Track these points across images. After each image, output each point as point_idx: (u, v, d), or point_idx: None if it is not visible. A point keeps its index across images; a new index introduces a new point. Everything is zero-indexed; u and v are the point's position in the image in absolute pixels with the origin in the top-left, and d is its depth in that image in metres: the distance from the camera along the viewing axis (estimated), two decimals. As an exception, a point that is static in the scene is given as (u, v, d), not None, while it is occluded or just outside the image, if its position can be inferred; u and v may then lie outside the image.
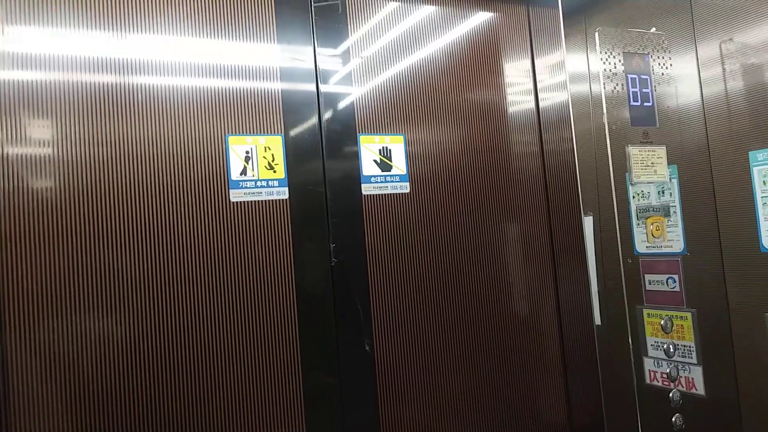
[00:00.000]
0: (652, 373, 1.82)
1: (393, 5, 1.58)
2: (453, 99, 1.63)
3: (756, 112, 1.70)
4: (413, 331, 1.51)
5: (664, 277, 1.81)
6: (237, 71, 1.38)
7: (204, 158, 1.33)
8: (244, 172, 1.35)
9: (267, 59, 1.42)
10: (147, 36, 1.31)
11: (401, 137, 1.54)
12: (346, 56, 1.51)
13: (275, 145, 1.40)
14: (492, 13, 1.71)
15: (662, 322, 1.78)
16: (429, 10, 1.63)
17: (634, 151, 1.78)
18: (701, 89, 1.83)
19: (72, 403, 1.18)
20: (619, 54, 1.81)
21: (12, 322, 1.15)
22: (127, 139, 1.27)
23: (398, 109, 1.55)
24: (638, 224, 1.83)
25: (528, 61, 1.76)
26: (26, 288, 1.16)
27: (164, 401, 1.25)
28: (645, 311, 1.83)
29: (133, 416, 1.22)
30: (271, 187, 1.38)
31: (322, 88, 1.46)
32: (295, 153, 1.42)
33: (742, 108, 1.74)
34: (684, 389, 1.77)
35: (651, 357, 1.82)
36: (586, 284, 1.75)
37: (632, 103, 1.81)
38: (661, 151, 1.82)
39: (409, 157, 1.55)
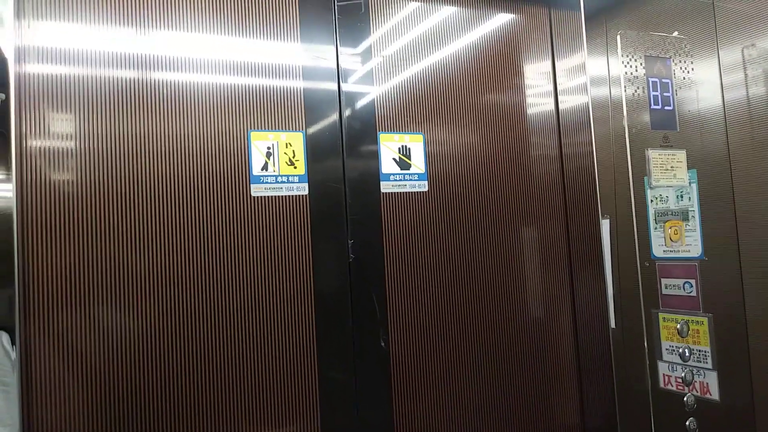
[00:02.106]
0: (666, 378, 1.81)
1: (415, 5, 1.59)
2: (473, 99, 1.63)
3: (778, 119, 1.69)
4: (429, 329, 1.52)
5: (681, 281, 1.80)
6: (260, 69, 1.40)
7: (226, 153, 1.34)
8: (265, 167, 1.37)
9: (290, 57, 1.43)
10: (171, 32, 1.33)
11: (421, 136, 1.55)
12: (367, 55, 1.52)
13: (296, 141, 1.41)
14: (513, 15, 1.72)
15: (678, 327, 1.78)
16: (450, 10, 1.63)
17: (653, 155, 1.78)
18: (722, 94, 1.82)
19: (92, 393, 1.20)
20: (640, 57, 1.81)
21: (35, 313, 1.17)
22: (150, 134, 1.28)
23: (418, 108, 1.56)
24: (656, 228, 1.83)
25: (548, 63, 1.76)
26: (48, 280, 1.18)
27: (181, 394, 1.27)
28: (661, 315, 1.83)
29: (151, 407, 1.24)
30: (292, 183, 1.39)
31: (344, 86, 1.48)
32: (315, 150, 1.43)
33: (764, 114, 1.73)
34: (698, 394, 1.76)
35: (666, 361, 1.82)
36: (602, 287, 1.75)
37: (653, 106, 1.80)
38: (681, 155, 1.82)
39: (428, 157, 1.56)
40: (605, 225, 1.80)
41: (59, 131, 1.22)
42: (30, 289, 1.16)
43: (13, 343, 2.13)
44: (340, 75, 1.47)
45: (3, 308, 2.29)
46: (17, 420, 1.15)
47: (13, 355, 2.10)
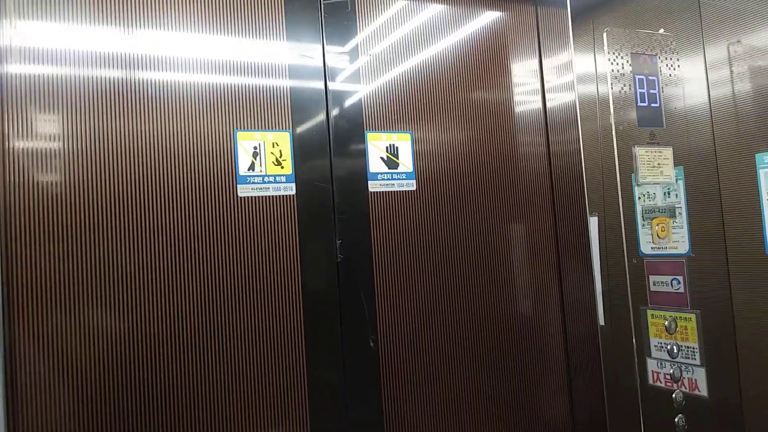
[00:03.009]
0: (655, 374, 1.82)
1: (401, 3, 1.59)
2: (460, 98, 1.63)
3: (763, 115, 1.70)
4: (418, 328, 1.52)
5: (668, 278, 1.81)
6: (246, 68, 1.39)
7: (212, 153, 1.34)
8: (252, 167, 1.36)
9: (276, 56, 1.42)
10: (156, 32, 1.32)
11: (408, 135, 1.55)
12: (354, 54, 1.52)
13: (283, 141, 1.40)
14: (500, 13, 1.72)
15: (666, 323, 1.78)
16: (437, 8, 1.63)
17: (640, 152, 1.78)
18: (708, 91, 1.83)
19: (77, 396, 1.19)
20: (627, 55, 1.81)
21: (19, 316, 1.16)
22: (136, 134, 1.27)
23: (406, 107, 1.56)
24: (643, 225, 1.83)
25: (535, 61, 1.76)
26: (34, 282, 1.17)
27: (168, 395, 1.26)
28: (649, 312, 1.83)
29: (138, 409, 1.23)
30: (279, 182, 1.39)
31: (330, 85, 1.47)
32: (302, 149, 1.43)
33: (750, 110, 1.74)
34: (687, 390, 1.77)
35: (654, 358, 1.82)
36: (590, 284, 1.76)
37: (639, 103, 1.81)
38: (668, 152, 1.82)
39: (416, 155, 1.56)
40: (593, 222, 1.81)
41: (43, 132, 1.20)
42: (14, 292, 1.15)
43: None
44: (327, 74, 1.47)
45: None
46: (2, 425, 1.14)
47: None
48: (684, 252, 1.80)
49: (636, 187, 1.83)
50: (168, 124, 1.30)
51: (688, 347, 1.77)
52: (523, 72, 1.74)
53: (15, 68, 1.19)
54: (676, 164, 1.83)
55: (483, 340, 1.60)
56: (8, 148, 1.17)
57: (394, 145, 1.53)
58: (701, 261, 1.79)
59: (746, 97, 1.75)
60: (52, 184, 1.20)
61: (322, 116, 1.45)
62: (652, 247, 1.83)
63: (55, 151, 1.21)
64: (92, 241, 1.22)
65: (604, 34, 1.81)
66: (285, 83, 1.42)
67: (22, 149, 1.18)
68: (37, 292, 1.17)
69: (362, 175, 1.49)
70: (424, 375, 1.52)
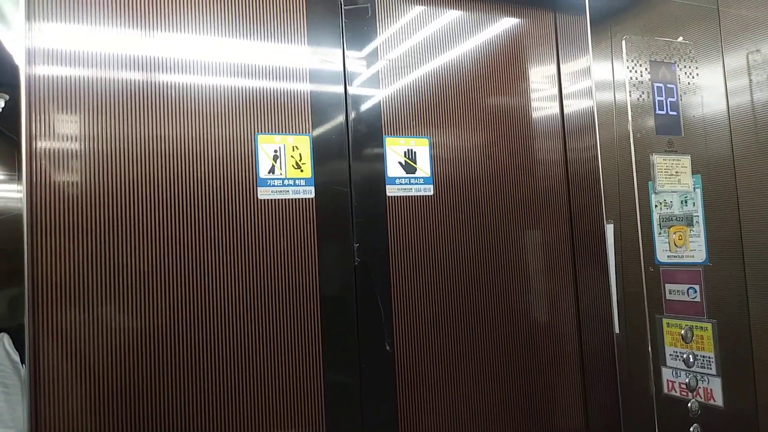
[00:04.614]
0: (670, 383, 1.81)
1: (420, 9, 1.60)
2: (478, 103, 1.63)
3: (782, 124, 1.69)
4: (434, 332, 1.52)
5: (685, 286, 1.80)
6: (267, 72, 1.40)
7: (233, 156, 1.35)
8: (272, 170, 1.37)
9: (297, 60, 1.43)
10: (178, 35, 1.33)
11: (426, 140, 1.56)
12: (374, 59, 1.52)
13: (303, 144, 1.41)
14: (519, 19, 1.72)
15: (682, 332, 1.77)
16: (456, 14, 1.64)
17: (658, 160, 1.78)
18: (727, 99, 1.82)
19: (98, 392, 1.20)
20: (645, 62, 1.81)
21: (43, 313, 1.17)
22: (157, 136, 1.29)
23: (424, 112, 1.56)
24: (660, 233, 1.83)
25: (553, 67, 1.76)
26: (57, 280, 1.18)
27: (187, 395, 1.27)
28: (665, 321, 1.83)
29: (158, 408, 1.24)
30: (298, 186, 1.40)
31: (350, 89, 1.48)
32: (321, 153, 1.43)
33: (768, 119, 1.73)
34: (702, 400, 1.76)
35: (669, 367, 1.81)
36: (606, 292, 1.75)
37: (657, 111, 1.80)
38: (686, 161, 1.82)
39: (434, 160, 1.56)
40: (609, 230, 1.80)
41: (68, 133, 1.22)
42: (38, 289, 1.16)
43: (15, 344, 2.13)
44: (346, 78, 1.48)
45: (3, 309, 2.29)
46: (19, 421, 1.15)
47: (15, 356, 2.10)
48: (701, 261, 1.80)
49: (653, 195, 1.82)
50: (189, 126, 1.31)
51: (704, 356, 1.77)
52: (540, 78, 1.74)
53: (41, 70, 1.21)
54: (693, 172, 1.83)
55: (498, 345, 1.60)
56: (34, 148, 1.18)
57: (412, 149, 1.53)
58: (718, 270, 1.78)
59: (765, 106, 1.75)
60: (75, 184, 1.21)
61: (341, 120, 1.46)
62: (668, 256, 1.83)
63: (77, 152, 1.22)
64: (114, 242, 1.23)
65: (623, 42, 1.80)
66: (305, 87, 1.43)
67: (48, 150, 1.20)
68: (60, 290, 1.18)
69: (380, 179, 1.49)
70: (439, 379, 1.52)
